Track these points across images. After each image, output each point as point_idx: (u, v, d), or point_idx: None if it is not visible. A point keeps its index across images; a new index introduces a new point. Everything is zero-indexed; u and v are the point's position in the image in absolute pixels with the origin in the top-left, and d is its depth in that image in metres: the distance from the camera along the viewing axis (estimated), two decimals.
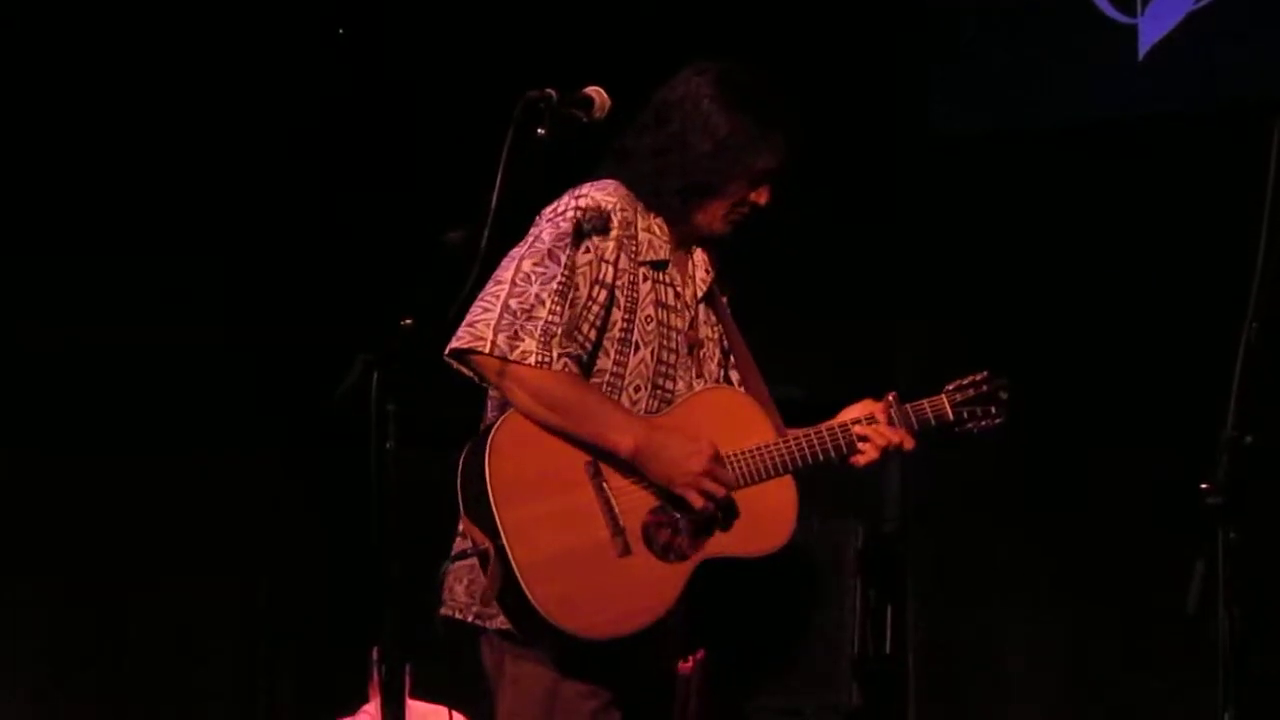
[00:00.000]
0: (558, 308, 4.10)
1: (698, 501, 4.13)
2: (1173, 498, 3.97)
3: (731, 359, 4.42)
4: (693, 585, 4.17)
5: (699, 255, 4.36)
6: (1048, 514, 6.64)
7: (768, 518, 4.21)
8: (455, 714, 5.75)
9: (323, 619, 7.34)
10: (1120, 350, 6.54)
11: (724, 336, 4.40)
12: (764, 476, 4.19)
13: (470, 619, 4.22)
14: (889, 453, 4.29)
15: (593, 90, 4.07)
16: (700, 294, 4.35)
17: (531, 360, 4.07)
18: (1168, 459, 6.00)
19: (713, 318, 4.39)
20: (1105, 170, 6.67)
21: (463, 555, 4.16)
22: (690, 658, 6.17)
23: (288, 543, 7.50)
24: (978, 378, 4.38)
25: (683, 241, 4.32)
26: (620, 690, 4.21)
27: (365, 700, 6.38)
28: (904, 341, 6.89)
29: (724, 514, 4.17)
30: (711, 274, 4.37)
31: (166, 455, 7.14)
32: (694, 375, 4.31)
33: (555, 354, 4.09)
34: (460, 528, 4.17)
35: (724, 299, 4.45)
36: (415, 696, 5.62)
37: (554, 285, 4.10)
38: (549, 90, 4.02)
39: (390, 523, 3.66)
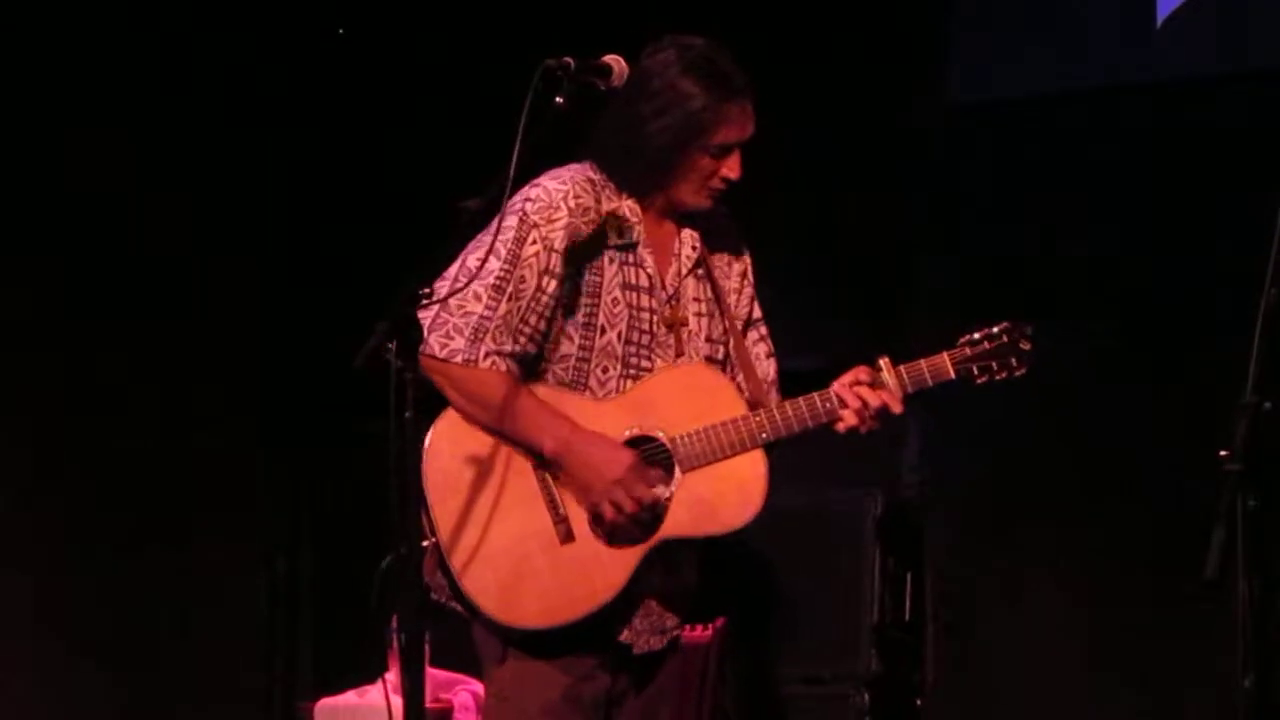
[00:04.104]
0: (494, 304, 4.12)
1: (608, 512, 4.09)
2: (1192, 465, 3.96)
3: (727, 336, 4.36)
4: (647, 568, 4.13)
5: (686, 231, 4.32)
6: (1067, 480, 6.63)
7: (731, 495, 4.15)
8: (474, 682, 5.77)
9: (342, 586, 7.35)
10: (1142, 316, 6.52)
11: (716, 313, 4.34)
12: (727, 453, 4.13)
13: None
14: (870, 416, 4.16)
15: (611, 59, 4.08)
16: (685, 270, 4.30)
17: (459, 359, 4.09)
18: (1189, 425, 6.01)
19: (705, 293, 4.33)
20: (1126, 135, 6.65)
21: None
22: (709, 625, 6.18)
23: (307, 510, 7.52)
24: (995, 329, 4.26)
25: (664, 217, 4.29)
26: (588, 672, 4.20)
27: (384, 668, 6.39)
28: (928, 309, 6.88)
29: (683, 493, 4.12)
30: (699, 249, 4.32)
31: (188, 418, 7.16)
32: (675, 354, 4.27)
33: (482, 352, 4.11)
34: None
35: (733, 269, 4.40)
36: (435, 665, 5.64)
37: (491, 280, 4.12)
38: (567, 59, 4.03)
39: (410, 490, 3.67)
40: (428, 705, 3.80)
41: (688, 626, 4.86)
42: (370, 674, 6.34)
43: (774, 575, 6.52)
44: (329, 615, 7.56)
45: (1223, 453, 3.36)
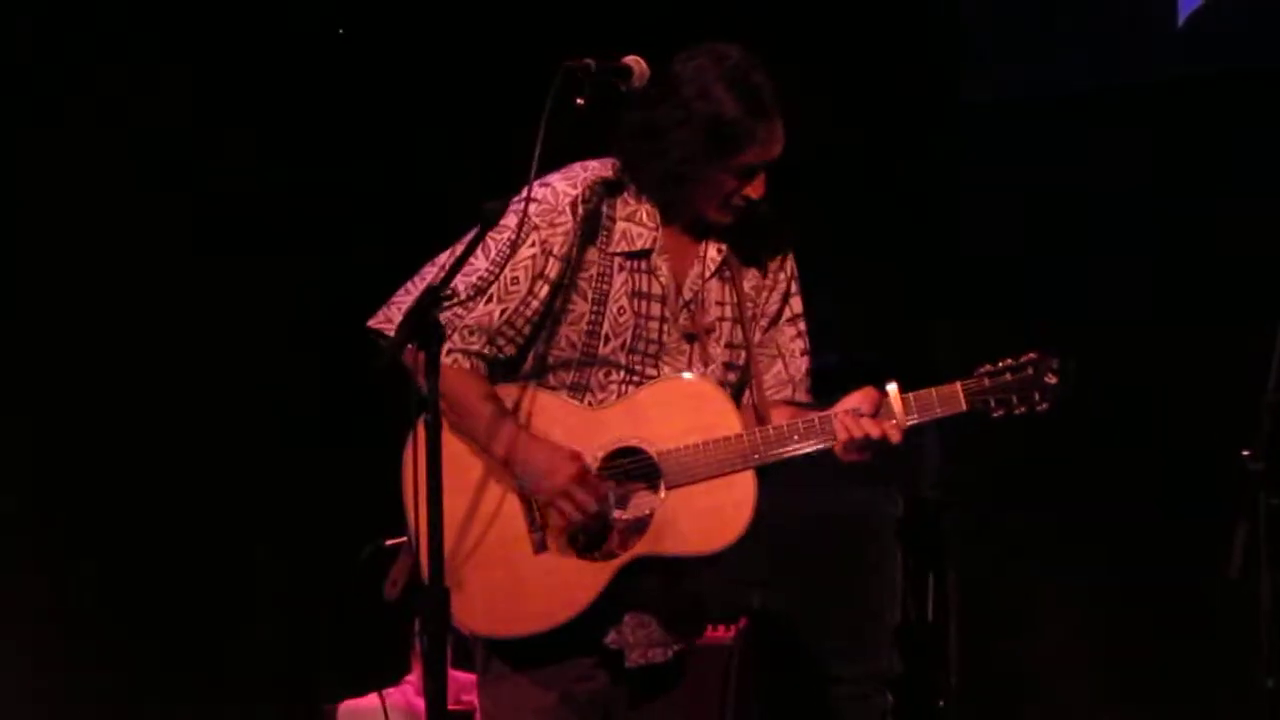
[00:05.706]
0: (471, 303, 4.03)
1: (559, 518, 4.02)
2: (1213, 464, 3.95)
3: (746, 343, 4.23)
4: (619, 584, 4.03)
5: (713, 236, 4.18)
6: (1088, 480, 6.63)
7: (714, 516, 4.02)
8: None
9: (364, 588, 7.35)
10: (1160, 316, 6.52)
11: (738, 319, 4.22)
12: (715, 471, 4.01)
13: None
14: (868, 447, 4.02)
15: (631, 60, 4.03)
16: (709, 273, 4.17)
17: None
18: (1209, 424, 6.01)
19: (729, 296, 4.21)
20: (1141, 135, 6.65)
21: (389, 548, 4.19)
22: (732, 626, 6.18)
23: (329, 514, 7.53)
24: (1019, 359, 4.05)
25: (689, 223, 4.16)
26: (583, 672, 4.13)
27: (407, 671, 6.41)
28: (941, 312, 6.89)
29: (665, 510, 4.02)
30: (724, 251, 4.18)
31: (199, 419, 7.18)
32: (694, 360, 4.15)
33: (445, 348, 3.99)
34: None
35: (767, 266, 4.26)
36: (456, 667, 5.64)
37: (473, 280, 4.04)
38: (588, 60, 3.99)
39: (434, 494, 3.66)
40: (450, 707, 3.79)
41: (710, 627, 4.81)
42: (393, 677, 6.35)
43: (796, 576, 6.52)
44: (352, 616, 7.57)
45: (1245, 452, 3.35)
